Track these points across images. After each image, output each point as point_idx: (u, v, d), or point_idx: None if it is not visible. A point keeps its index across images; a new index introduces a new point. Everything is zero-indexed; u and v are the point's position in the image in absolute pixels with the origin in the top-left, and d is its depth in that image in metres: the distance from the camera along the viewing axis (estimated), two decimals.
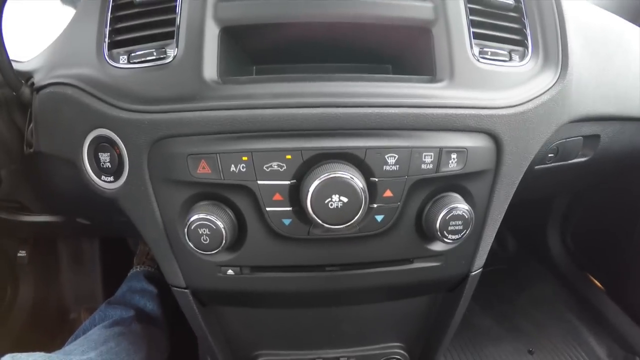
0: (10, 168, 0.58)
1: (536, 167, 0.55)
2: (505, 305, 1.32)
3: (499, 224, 0.51)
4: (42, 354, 0.64)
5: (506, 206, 0.50)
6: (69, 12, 0.54)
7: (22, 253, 1.17)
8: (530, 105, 0.46)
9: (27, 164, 0.57)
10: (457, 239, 0.45)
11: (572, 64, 0.49)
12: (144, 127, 0.43)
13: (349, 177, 0.41)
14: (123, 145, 0.44)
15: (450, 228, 0.44)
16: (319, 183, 0.40)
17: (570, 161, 0.59)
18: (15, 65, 0.51)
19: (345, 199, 0.41)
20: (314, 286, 0.50)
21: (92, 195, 0.50)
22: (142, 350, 0.78)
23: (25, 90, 0.52)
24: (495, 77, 0.46)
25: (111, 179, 0.46)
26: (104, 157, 0.45)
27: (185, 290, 0.50)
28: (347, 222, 0.42)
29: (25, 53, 0.56)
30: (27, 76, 0.53)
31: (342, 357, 0.63)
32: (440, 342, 0.64)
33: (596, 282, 1.30)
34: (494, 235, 0.52)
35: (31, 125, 0.53)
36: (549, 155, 0.56)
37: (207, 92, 0.42)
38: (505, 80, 0.47)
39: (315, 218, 0.41)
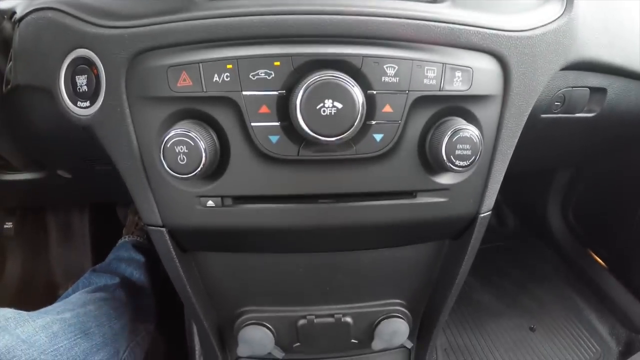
0: None
1: (543, 115, 0.54)
2: (506, 281, 1.32)
3: (508, 161, 0.49)
4: (11, 309, 0.61)
5: (515, 141, 0.48)
6: None
7: (8, 225, 1.15)
8: (537, 32, 0.45)
9: (5, 107, 0.55)
10: (466, 166, 0.42)
11: (578, 2, 0.48)
12: (124, 42, 0.40)
13: (344, 81, 0.38)
14: (101, 64, 0.41)
15: (457, 153, 0.41)
16: (311, 86, 0.37)
17: (576, 114, 0.58)
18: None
19: (339, 105, 0.38)
20: (305, 221, 0.46)
21: (69, 133, 0.48)
22: (124, 316, 0.76)
23: (7, 25, 0.51)
24: (500, 1, 0.45)
25: (87, 104, 0.43)
26: (81, 80, 0.42)
27: (162, 229, 0.47)
28: (341, 133, 0.39)
29: None
30: (10, 12, 0.51)
31: (336, 314, 0.58)
32: (444, 302, 0.60)
33: (598, 258, 1.30)
34: (503, 173, 0.49)
35: (10, 62, 0.51)
36: (556, 103, 0.55)
37: (193, 5, 0.40)
38: (511, 5, 0.45)
39: (305, 127, 0.38)
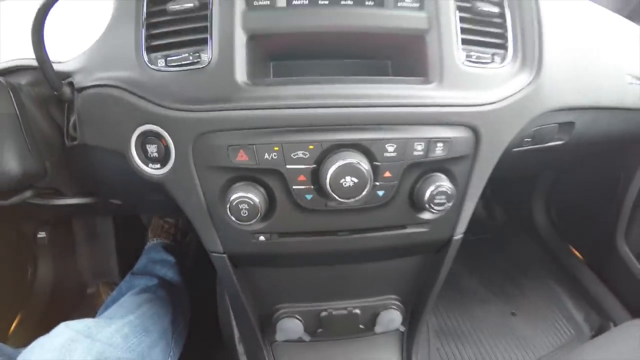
0: (51, 160, 0.63)
1: (514, 149, 0.63)
2: (492, 270, 1.41)
3: (477, 198, 0.61)
4: (90, 319, 0.73)
5: (483, 184, 0.60)
6: (105, 14, 0.57)
7: (41, 234, 1.21)
8: (505, 103, 0.55)
9: (67, 155, 0.63)
10: (441, 209, 0.55)
11: (547, 64, 0.57)
12: (189, 124, 0.51)
13: (357, 163, 0.50)
14: (170, 139, 0.52)
15: (436, 201, 0.55)
16: (336, 168, 0.50)
17: (546, 144, 0.68)
18: (55, 66, 0.55)
19: (355, 180, 0.51)
20: (328, 247, 0.61)
21: (134, 180, 0.57)
22: (169, 314, 0.88)
23: (66, 90, 0.57)
24: (478, 78, 0.54)
25: (158, 166, 0.54)
26: (152, 149, 0.52)
27: (223, 255, 0.60)
28: (356, 197, 0.52)
29: (64, 54, 0.60)
30: (66, 76, 0.58)
31: (348, 307, 0.74)
32: (429, 296, 0.76)
33: (577, 253, 1.39)
34: (473, 207, 0.62)
35: (72, 119, 0.58)
36: (526, 139, 0.64)
37: (240, 93, 0.50)
38: (487, 81, 0.55)
39: (332, 194, 0.51)
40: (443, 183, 0.54)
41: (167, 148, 0.53)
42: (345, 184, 0.50)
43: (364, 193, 0.52)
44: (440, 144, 0.53)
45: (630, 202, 1.16)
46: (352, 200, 0.52)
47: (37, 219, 1.17)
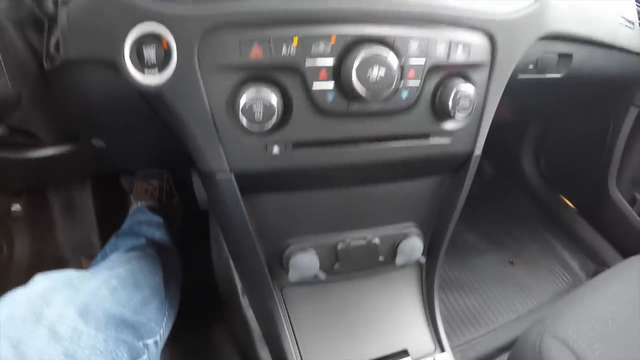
0: (26, 90, 0.56)
1: (519, 75, 0.68)
2: (487, 224, 1.43)
3: (494, 111, 0.62)
4: (72, 270, 0.65)
5: (499, 96, 0.61)
6: None
7: (15, 207, 1.14)
8: (516, 15, 0.58)
9: (46, 84, 0.57)
10: (465, 115, 0.55)
11: None
12: (196, 18, 0.45)
13: (384, 55, 0.48)
14: (172, 38, 0.45)
15: (459, 105, 0.54)
16: (362, 60, 0.47)
17: (547, 75, 0.73)
18: None
19: (383, 73, 0.47)
20: (348, 160, 0.56)
21: (121, 105, 0.53)
22: (159, 272, 0.80)
23: (49, 5, 0.51)
24: None
25: (155, 71, 0.47)
26: (149, 53, 0.46)
27: (229, 174, 0.53)
28: (383, 93, 0.49)
29: None
30: None
31: (367, 237, 0.69)
32: (448, 223, 0.72)
33: (569, 202, 1.42)
34: (490, 121, 0.62)
35: (54, 38, 0.52)
36: (530, 66, 0.69)
37: None
38: None
39: (358, 89, 0.47)
40: (466, 88, 0.54)
41: (167, 51, 0.46)
42: (372, 78, 0.47)
43: (390, 90, 0.49)
44: (460, 47, 0.53)
45: (620, 147, 1.20)
46: (377, 99, 0.49)
47: (10, 189, 1.10)
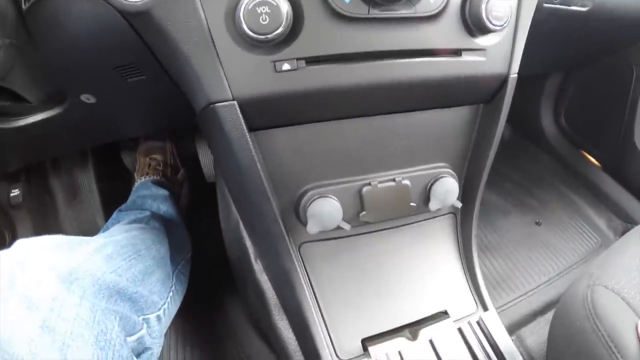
0: (5, 42, 0.51)
1: (545, 4, 0.64)
2: (508, 183, 1.38)
3: (526, 33, 0.56)
4: (60, 235, 0.57)
5: (532, 12, 0.56)
6: None
7: (14, 192, 1.09)
8: None
9: (24, 32, 0.52)
10: (501, 25, 0.49)
11: None
12: None
13: None
14: None
15: (494, 14, 0.48)
16: None
17: (572, 7, 0.68)
18: None
19: None
20: (369, 78, 0.49)
21: (103, 33, 0.47)
22: (164, 243, 0.74)
23: None
24: None
25: None
26: None
27: (233, 102, 0.46)
28: None
29: None
30: None
31: (396, 177, 0.61)
32: (483, 163, 0.66)
33: (592, 159, 1.36)
34: (524, 41, 0.57)
35: None
36: None
37: None
38: None
39: None
40: None
41: None
42: None
43: None
44: None
45: None
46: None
47: (8, 168, 1.03)
